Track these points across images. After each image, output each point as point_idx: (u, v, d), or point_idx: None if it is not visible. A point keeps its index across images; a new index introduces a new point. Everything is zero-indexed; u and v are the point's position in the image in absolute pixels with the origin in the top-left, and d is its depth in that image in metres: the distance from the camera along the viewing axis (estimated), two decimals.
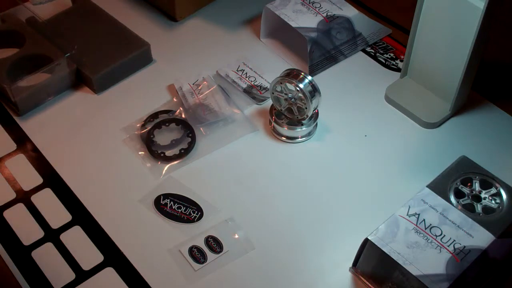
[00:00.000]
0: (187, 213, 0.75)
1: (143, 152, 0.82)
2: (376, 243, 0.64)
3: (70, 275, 0.70)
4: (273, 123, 0.83)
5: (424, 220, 0.66)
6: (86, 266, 0.71)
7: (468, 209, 0.67)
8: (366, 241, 0.65)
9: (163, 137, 0.83)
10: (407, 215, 0.66)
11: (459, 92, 0.81)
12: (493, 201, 0.69)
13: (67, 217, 0.75)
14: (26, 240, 0.73)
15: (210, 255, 0.71)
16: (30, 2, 1.02)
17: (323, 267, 0.71)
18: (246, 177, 0.79)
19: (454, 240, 0.64)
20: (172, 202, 0.76)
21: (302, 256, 0.72)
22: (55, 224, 0.75)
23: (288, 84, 0.80)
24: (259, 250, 0.72)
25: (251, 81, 0.90)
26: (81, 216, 0.75)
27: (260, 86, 0.90)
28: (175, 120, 0.85)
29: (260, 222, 0.75)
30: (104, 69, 0.88)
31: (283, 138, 0.84)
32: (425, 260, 0.62)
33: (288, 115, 0.83)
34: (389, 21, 1.00)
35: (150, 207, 0.76)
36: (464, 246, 0.64)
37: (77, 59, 0.88)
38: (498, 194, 0.69)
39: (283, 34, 0.96)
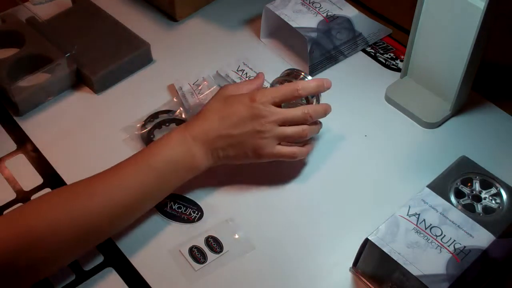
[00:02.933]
0: (187, 213, 0.75)
1: None
2: (376, 243, 0.64)
3: (70, 275, 0.70)
4: None
5: (424, 220, 0.66)
6: (86, 266, 0.71)
7: (468, 209, 0.67)
8: (367, 241, 0.65)
9: None
10: (407, 215, 0.66)
11: (459, 92, 0.82)
12: (493, 201, 0.69)
13: None
14: None
15: (210, 255, 0.71)
16: (30, 2, 1.02)
17: (323, 267, 0.71)
18: (246, 177, 0.79)
19: (455, 240, 0.64)
20: (172, 202, 0.76)
21: (302, 256, 0.72)
22: None
23: None
24: (259, 250, 0.72)
25: None
26: None
27: None
28: (175, 120, 0.85)
29: (260, 222, 0.75)
30: (104, 69, 0.88)
31: None
32: (425, 260, 0.62)
33: None
34: (389, 21, 1.00)
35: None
36: (464, 246, 0.64)
37: (77, 59, 0.88)
38: (498, 194, 0.69)
39: (283, 34, 0.96)
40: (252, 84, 0.77)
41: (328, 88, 0.76)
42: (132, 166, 0.69)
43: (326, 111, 0.76)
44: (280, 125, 0.73)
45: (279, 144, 0.74)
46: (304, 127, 0.74)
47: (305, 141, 0.78)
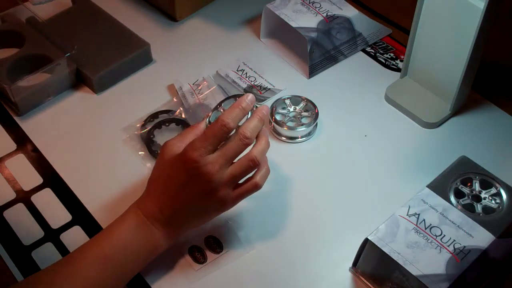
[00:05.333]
0: None
1: (143, 152, 0.82)
2: (376, 243, 0.64)
3: None
4: (273, 123, 0.83)
5: (424, 220, 0.66)
6: None
7: (468, 209, 0.67)
8: (366, 241, 0.65)
9: (163, 137, 0.83)
10: (407, 215, 0.66)
11: (459, 92, 0.82)
12: (493, 201, 0.69)
13: (67, 217, 0.75)
14: (26, 240, 0.73)
15: (210, 255, 0.71)
16: (30, 2, 1.02)
17: (323, 267, 0.71)
18: None
19: (454, 240, 0.64)
20: None
21: (302, 256, 0.72)
22: (55, 224, 0.75)
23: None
24: (259, 250, 0.72)
25: (251, 81, 0.90)
26: (81, 216, 0.75)
27: (260, 86, 0.90)
28: (175, 120, 0.85)
29: (260, 222, 0.75)
30: (104, 69, 0.88)
31: (283, 138, 0.84)
32: (425, 260, 0.62)
33: None
34: (389, 21, 1.00)
35: None
36: (464, 246, 0.64)
37: (77, 59, 0.88)
38: (498, 194, 0.69)
39: (283, 34, 0.96)
40: (194, 131, 0.69)
41: (253, 102, 0.67)
42: (87, 258, 0.64)
43: (261, 119, 0.67)
44: (226, 168, 0.65)
45: (236, 186, 0.67)
46: (250, 155, 0.65)
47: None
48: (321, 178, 0.80)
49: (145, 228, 0.66)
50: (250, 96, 0.68)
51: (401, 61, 0.94)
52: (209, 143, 0.64)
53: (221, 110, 0.74)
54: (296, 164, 0.81)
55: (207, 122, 0.71)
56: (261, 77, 0.91)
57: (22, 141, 0.84)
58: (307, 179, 0.79)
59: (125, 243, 0.65)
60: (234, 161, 0.66)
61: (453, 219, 0.66)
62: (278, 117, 0.84)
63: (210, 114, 0.73)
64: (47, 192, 0.78)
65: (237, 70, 0.92)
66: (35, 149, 0.82)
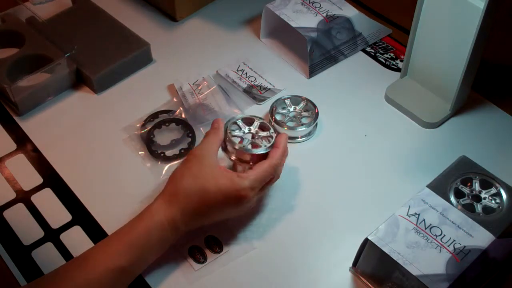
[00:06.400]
0: None
1: (143, 152, 0.82)
2: (376, 243, 0.64)
3: None
4: (273, 123, 0.83)
5: (424, 220, 0.66)
6: None
7: (468, 209, 0.67)
8: (366, 241, 0.65)
9: (163, 137, 0.83)
10: (407, 215, 0.66)
11: (459, 92, 0.82)
12: (493, 201, 0.69)
13: (67, 217, 0.75)
14: (26, 240, 0.73)
15: (210, 255, 0.71)
16: (30, 2, 1.02)
17: (323, 267, 0.71)
18: None
19: (454, 240, 0.64)
20: None
21: (302, 256, 0.72)
22: (55, 224, 0.75)
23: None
24: (259, 250, 0.72)
25: (251, 81, 0.90)
26: (81, 216, 0.75)
27: (260, 86, 0.90)
28: (175, 120, 0.85)
29: (260, 222, 0.75)
30: (104, 69, 0.88)
31: None
32: (425, 260, 0.62)
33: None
34: (389, 21, 1.00)
35: None
36: (464, 246, 0.64)
37: (77, 59, 0.88)
38: (498, 194, 0.69)
39: (283, 34, 0.96)
40: (216, 137, 0.72)
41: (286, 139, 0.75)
42: (101, 264, 0.64)
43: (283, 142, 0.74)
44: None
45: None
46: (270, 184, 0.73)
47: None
48: (321, 178, 0.80)
49: (163, 233, 0.67)
50: (286, 145, 0.75)
51: (401, 61, 0.94)
52: (260, 185, 0.70)
53: (240, 123, 0.76)
54: (296, 164, 0.81)
55: (225, 129, 0.73)
56: (261, 77, 0.91)
57: (22, 141, 0.84)
58: (307, 179, 0.79)
59: (143, 251, 0.66)
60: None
61: (453, 219, 0.66)
62: (278, 117, 0.84)
63: (227, 123, 0.75)
64: (47, 192, 0.78)
65: (237, 70, 0.92)
66: (35, 149, 0.82)
